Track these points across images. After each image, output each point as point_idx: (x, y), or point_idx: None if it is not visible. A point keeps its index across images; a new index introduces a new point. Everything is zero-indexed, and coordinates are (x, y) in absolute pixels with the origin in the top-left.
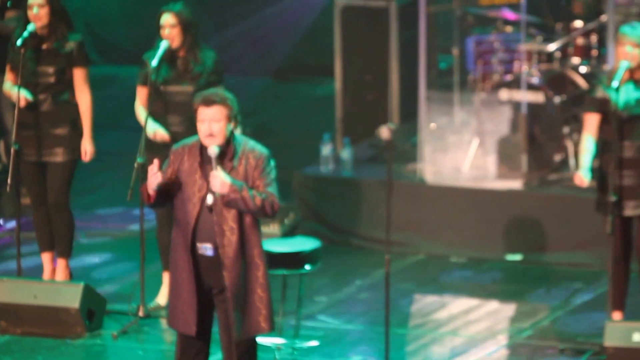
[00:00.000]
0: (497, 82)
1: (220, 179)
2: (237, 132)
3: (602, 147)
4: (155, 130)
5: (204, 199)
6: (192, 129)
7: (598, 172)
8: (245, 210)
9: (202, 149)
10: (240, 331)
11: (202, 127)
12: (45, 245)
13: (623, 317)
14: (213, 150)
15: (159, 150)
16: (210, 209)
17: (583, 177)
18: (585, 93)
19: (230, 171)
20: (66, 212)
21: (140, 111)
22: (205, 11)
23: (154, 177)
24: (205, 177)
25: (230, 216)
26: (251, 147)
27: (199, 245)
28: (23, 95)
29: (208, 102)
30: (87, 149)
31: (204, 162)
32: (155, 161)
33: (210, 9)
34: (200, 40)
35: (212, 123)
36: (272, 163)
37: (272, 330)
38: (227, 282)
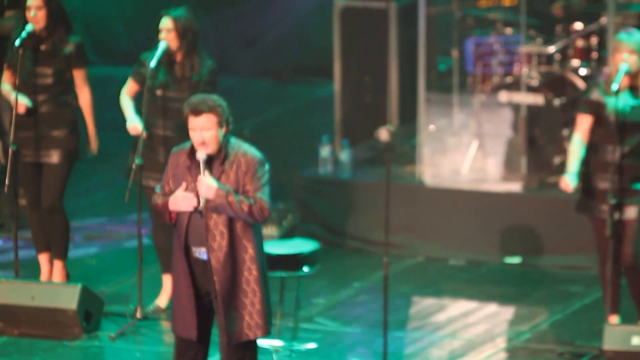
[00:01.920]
0: (496, 84)
1: (206, 184)
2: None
3: (590, 149)
4: (134, 125)
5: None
6: (183, 135)
7: (583, 174)
8: (233, 215)
9: (194, 152)
10: (230, 336)
11: (194, 136)
12: (42, 247)
13: (618, 320)
14: (201, 155)
15: (157, 151)
16: (201, 212)
17: (569, 181)
18: (581, 94)
19: (220, 175)
20: (60, 214)
21: (124, 98)
22: (205, 12)
23: (189, 201)
24: (196, 180)
25: (220, 220)
26: (244, 151)
27: (193, 249)
28: (22, 102)
29: (197, 112)
30: (93, 145)
31: (195, 165)
32: (183, 185)
33: (209, 10)
34: (199, 47)
35: (203, 132)
36: (266, 167)
37: (264, 335)
38: (217, 286)
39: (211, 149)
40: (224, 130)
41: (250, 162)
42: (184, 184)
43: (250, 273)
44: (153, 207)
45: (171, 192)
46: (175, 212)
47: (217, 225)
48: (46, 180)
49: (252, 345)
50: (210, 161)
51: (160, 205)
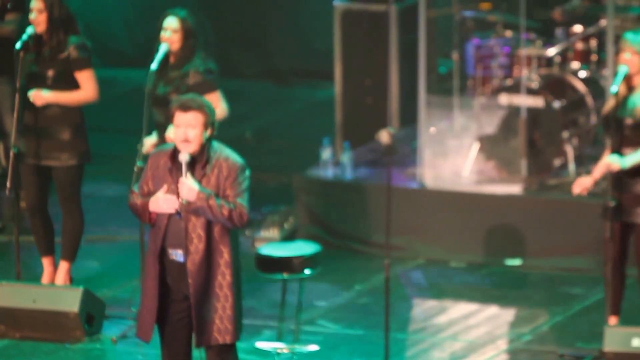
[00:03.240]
0: (496, 86)
1: (187, 186)
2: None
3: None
4: (147, 143)
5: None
6: None
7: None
8: (212, 219)
9: (176, 154)
10: (200, 338)
11: (178, 133)
12: (45, 250)
13: (618, 321)
14: (184, 157)
15: None
16: (180, 214)
17: (580, 184)
18: (584, 97)
19: (201, 178)
20: (75, 215)
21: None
22: (205, 14)
23: (170, 203)
24: (177, 182)
25: (199, 223)
26: (226, 156)
27: (170, 251)
28: (38, 94)
29: (185, 108)
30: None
31: (176, 167)
32: (165, 186)
33: (210, 13)
34: (198, 50)
35: (188, 129)
36: (247, 173)
37: (233, 341)
38: (191, 289)
39: (193, 147)
40: (208, 132)
41: (231, 168)
42: (165, 186)
43: (224, 278)
44: (131, 207)
45: (150, 193)
46: (154, 216)
47: (196, 228)
48: (58, 183)
49: (231, 350)
50: (191, 164)
51: (140, 206)
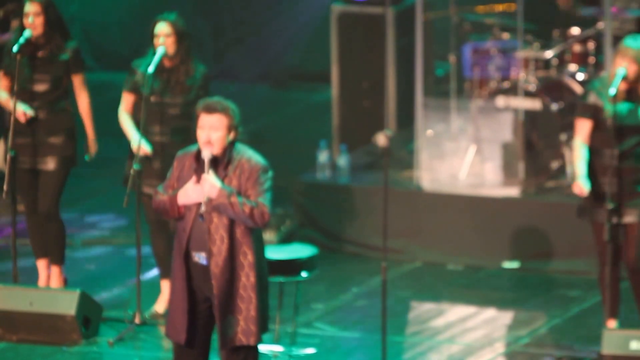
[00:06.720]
0: (494, 89)
1: (209, 183)
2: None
3: (590, 154)
4: (140, 146)
5: (200, 206)
6: (176, 140)
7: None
8: (234, 217)
9: (200, 155)
10: (224, 340)
11: (201, 134)
12: (40, 253)
13: (616, 324)
14: (206, 154)
15: (154, 157)
16: (202, 216)
17: (582, 185)
18: (578, 99)
19: (223, 178)
20: (56, 220)
21: (124, 117)
22: (202, 18)
23: (199, 192)
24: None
25: (221, 225)
26: (248, 157)
27: (193, 253)
28: (22, 111)
29: (210, 110)
30: (92, 149)
31: (201, 167)
32: (194, 178)
33: (207, 16)
34: (193, 52)
35: (212, 131)
36: (269, 174)
37: (256, 343)
38: (215, 290)
39: (216, 149)
40: (231, 135)
41: (253, 168)
42: (194, 177)
43: (248, 279)
44: (158, 204)
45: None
46: (182, 210)
47: (218, 229)
48: (42, 186)
49: (252, 352)
50: (214, 165)
51: (168, 200)
